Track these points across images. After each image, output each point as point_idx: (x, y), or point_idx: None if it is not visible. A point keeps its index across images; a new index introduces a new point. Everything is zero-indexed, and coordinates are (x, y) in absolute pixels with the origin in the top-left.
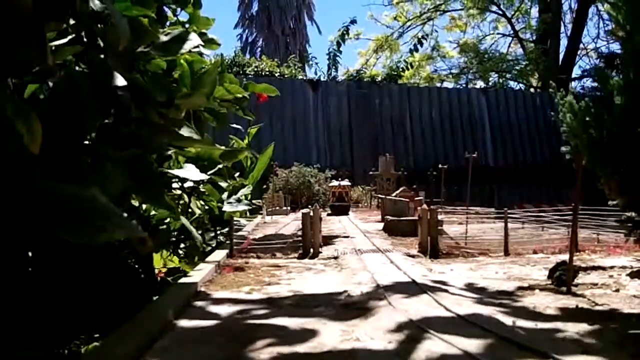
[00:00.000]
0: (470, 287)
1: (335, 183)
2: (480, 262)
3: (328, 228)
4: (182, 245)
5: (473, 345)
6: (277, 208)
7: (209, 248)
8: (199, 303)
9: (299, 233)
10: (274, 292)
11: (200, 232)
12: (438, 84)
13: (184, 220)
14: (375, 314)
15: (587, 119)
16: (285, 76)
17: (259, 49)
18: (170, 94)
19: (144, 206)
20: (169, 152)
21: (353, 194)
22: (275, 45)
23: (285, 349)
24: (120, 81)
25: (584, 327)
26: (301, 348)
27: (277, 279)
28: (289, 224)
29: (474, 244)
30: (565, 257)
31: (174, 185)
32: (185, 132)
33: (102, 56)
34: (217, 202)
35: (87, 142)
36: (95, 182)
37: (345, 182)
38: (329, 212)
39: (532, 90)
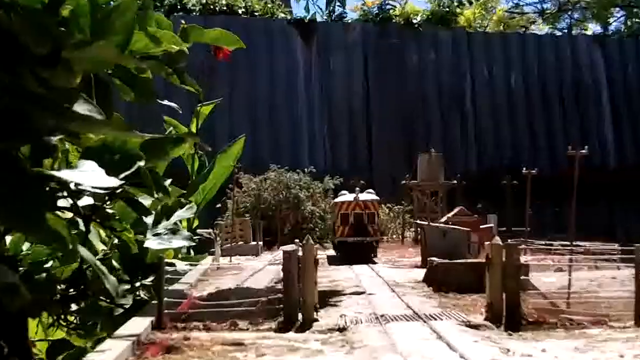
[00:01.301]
0: None
1: (346, 197)
2: (594, 337)
3: (329, 277)
4: (74, 307)
5: None
6: (241, 243)
7: (121, 311)
8: None
9: (279, 287)
10: None
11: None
12: (520, 30)
13: (86, 254)
14: None
15: None
16: (257, 14)
17: None
18: (56, 43)
19: (7, 239)
20: (53, 140)
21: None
22: None
23: None
24: None
25: None
26: None
27: None
28: (261, 270)
29: (583, 306)
30: None
31: (61, 202)
32: (80, 108)
33: None
34: (136, 232)
35: None
36: None
37: (369, 195)
38: (335, 252)
39: None
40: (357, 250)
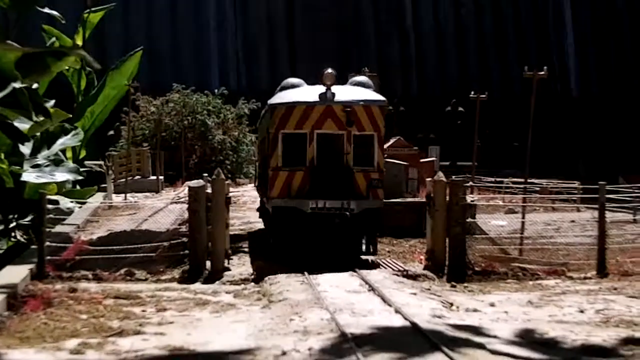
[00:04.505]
0: (530, 340)
1: (302, 92)
2: (550, 289)
3: (244, 219)
4: None
5: None
6: (139, 178)
7: None
8: None
9: (183, 230)
10: (130, 351)
11: None
12: None
13: None
14: None
15: None
16: None
17: None
18: None
19: None
20: None
21: None
22: None
23: None
24: None
25: None
26: None
27: (136, 323)
28: (163, 210)
29: (538, 254)
30: None
31: None
32: None
33: None
34: (11, 162)
35: None
36: None
37: (360, 91)
38: (267, 231)
39: None
40: (324, 234)
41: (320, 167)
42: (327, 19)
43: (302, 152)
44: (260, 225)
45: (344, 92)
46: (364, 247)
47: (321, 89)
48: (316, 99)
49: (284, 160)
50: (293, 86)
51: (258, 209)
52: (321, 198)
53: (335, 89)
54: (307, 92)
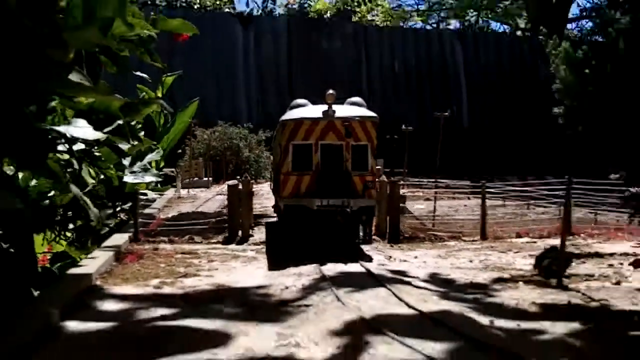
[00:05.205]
0: (438, 279)
1: (308, 110)
2: (451, 247)
3: (262, 204)
4: (70, 226)
5: (440, 350)
6: (196, 179)
7: (106, 229)
8: (93, 301)
9: (224, 211)
10: (190, 286)
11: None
12: (402, 24)
13: (75, 190)
14: (319, 312)
15: (586, 71)
16: (208, 8)
17: None
18: (55, 26)
19: (19, 175)
20: (53, 104)
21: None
22: None
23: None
24: None
25: (576, 327)
26: (225, 356)
27: (195, 269)
28: (211, 199)
29: (444, 225)
30: (555, 241)
31: (60, 147)
32: (74, 77)
33: None
34: (117, 170)
35: None
36: None
37: (356, 109)
38: (279, 224)
39: (519, 33)
40: (327, 227)
41: (324, 172)
42: (313, 75)
43: (309, 159)
44: (271, 211)
45: (342, 110)
46: (361, 237)
47: (324, 107)
48: (320, 115)
49: (294, 166)
50: (299, 105)
51: (273, 206)
52: (325, 197)
53: (335, 107)
54: (312, 110)
